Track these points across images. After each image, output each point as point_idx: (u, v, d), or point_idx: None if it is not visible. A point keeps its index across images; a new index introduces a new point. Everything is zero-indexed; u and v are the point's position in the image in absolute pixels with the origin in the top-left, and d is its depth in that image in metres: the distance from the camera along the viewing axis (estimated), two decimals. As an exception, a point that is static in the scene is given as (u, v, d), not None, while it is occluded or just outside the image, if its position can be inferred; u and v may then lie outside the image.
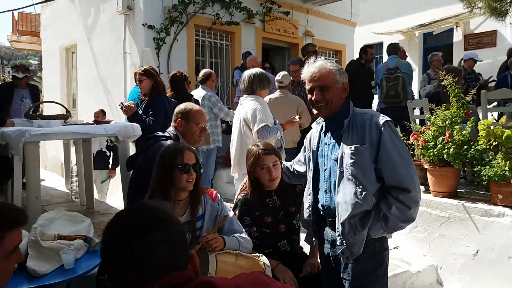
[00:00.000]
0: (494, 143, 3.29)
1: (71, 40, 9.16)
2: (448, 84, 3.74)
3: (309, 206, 2.17)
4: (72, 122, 3.92)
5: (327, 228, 2.10)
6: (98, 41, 8.17)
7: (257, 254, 2.21)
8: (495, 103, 5.21)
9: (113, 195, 6.25)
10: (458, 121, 3.67)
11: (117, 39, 7.42)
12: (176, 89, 4.76)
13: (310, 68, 2.04)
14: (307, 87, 2.05)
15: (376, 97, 6.76)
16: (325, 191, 2.06)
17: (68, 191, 5.29)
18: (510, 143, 3.14)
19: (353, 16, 10.76)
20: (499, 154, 3.21)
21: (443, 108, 3.78)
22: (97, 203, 4.60)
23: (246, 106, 3.63)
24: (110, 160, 6.30)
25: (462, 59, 7.18)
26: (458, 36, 12.88)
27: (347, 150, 1.93)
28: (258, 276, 1.02)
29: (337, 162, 1.97)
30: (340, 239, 1.95)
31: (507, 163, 3.07)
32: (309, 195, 2.18)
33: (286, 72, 5.03)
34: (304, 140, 2.30)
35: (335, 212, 1.98)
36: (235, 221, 2.34)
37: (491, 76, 7.15)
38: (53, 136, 3.28)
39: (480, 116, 4.17)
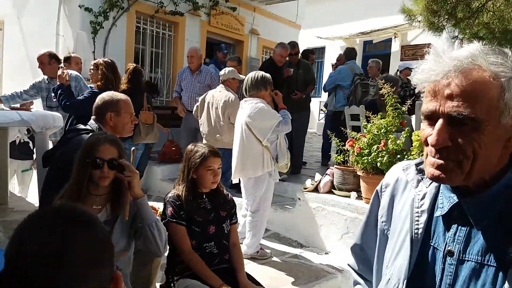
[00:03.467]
0: (425, 155, 3.36)
1: (-2, 16, 8.39)
2: (385, 93, 3.79)
3: None
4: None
5: None
6: (29, 19, 7.54)
7: None
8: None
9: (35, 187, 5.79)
10: (393, 130, 3.74)
11: (50, 20, 6.88)
12: (137, 82, 4.77)
13: (440, 63, 0.88)
14: (425, 106, 0.92)
15: (324, 100, 6.71)
16: None
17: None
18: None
19: (299, 18, 10.86)
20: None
21: (379, 116, 3.84)
22: (13, 199, 4.19)
23: (247, 109, 3.55)
24: (35, 150, 5.81)
25: (398, 69, 7.40)
26: (395, 47, 13.45)
27: None
28: None
29: None
30: None
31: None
32: None
33: (232, 69, 4.87)
34: (380, 209, 1.16)
35: None
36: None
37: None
38: None
39: (414, 126, 4.29)
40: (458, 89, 0.84)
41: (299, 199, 4.24)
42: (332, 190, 4.09)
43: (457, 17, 4.89)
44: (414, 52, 12.94)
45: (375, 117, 3.85)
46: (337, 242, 3.88)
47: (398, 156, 3.57)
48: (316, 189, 4.17)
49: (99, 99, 2.58)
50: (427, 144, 0.91)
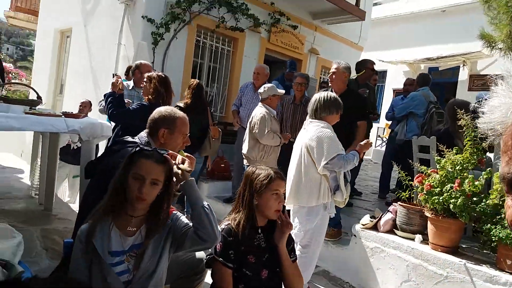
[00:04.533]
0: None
1: (67, 24, 8.72)
2: (464, 124, 3.35)
3: None
4: (39, 110, 3.46)
5: None
6: (95, 28, 7.74)
7: None
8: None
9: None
10: (470, 168, 3.29)
11: (114, 29, 7.00)
12: (200, 98, 4.80)
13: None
14: (504, 168, 0.69)
15: (382, 126, 6.29)
16: None
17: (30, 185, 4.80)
18: (529, 204, 2.74)
19: (361, 40, 10.49)
20: (515, 214, 2.81)
21: (454, 151, 3.39)
22: (58, 205, 4.12)
23: (310, 132, 3.26)
24: (80, 159, 5.84)
25: (476, 101, 6.64)
26: (463, 75, 12.68)
27: None
28: None
29: None
30: None
31: (524, 226, 2.67)
32: None
33: (271, 85, 4.71)
34: None
35: None
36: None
37: None
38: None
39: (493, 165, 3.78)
40: None
41: (355, 235, 3.84)
42: (394, 230, 3.66)
43: (547, 46, 4.35)
44: (483, 82, 12.11)
45: (449, 151, 3.41)
46: (396, 290, 3.43)
47: (475, 198, 3.12)
48: (375, 227, 3.75)
49: (157, 112, 2.42)
50: None
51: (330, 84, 4.31)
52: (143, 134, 2.42)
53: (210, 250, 2.11)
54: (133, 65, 4.81)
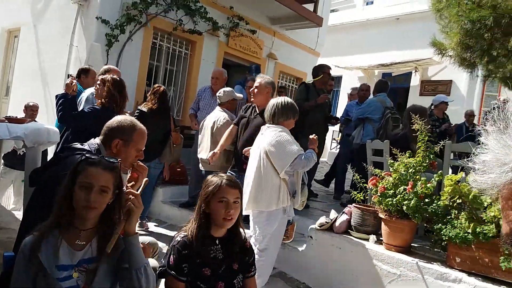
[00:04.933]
0: (458, 201, 3.01)
1: (16, 23, 8.33)
2: (418, 128, 3.45)
3: None
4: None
5: None
6: (45, 28, 7.44)
7: None
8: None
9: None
10: (422, 170, 3.40)
11: (66, 29, 6.75)
12: (165, 104, 4.78)
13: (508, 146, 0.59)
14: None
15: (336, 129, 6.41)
16: None
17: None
18: (476, 204, 2.87)
19: (318, 45, 10.67)
20: (463, 214, 2.94)
21: (407, 154, 3.50)
22: (1, 213, 3.87)
23: (268, 137, 3.25)
24: (25, 167, 5.56)
25: (432, 104, 6.77)
26: (415, 81, 13.18)
27: None
28: None
29: None
30: None
31: (471, 225, 2.79)
32: None
33: (230, 89, 4.66)
34: None
35: None
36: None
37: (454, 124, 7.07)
38: None
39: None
40: None
41: (311, 237, 3.87)
42: (349, 230, 3.72)
43: (491, 55, 4.58)
44: (434, 87, 12.66)
45: (402, 154, 3.51)
46: (351, 290, 3.48)
47: (427, 200, 3.23)
48: (330, 228, 3.80)
49: (115, 120, 2.30)
50: None
51: (252, 99, 4.18)
52: (95, 140, 2.29)
53: (163, 261, 2.05)
54: (101, 70, 4.61)
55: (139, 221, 4.85)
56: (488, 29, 4.32)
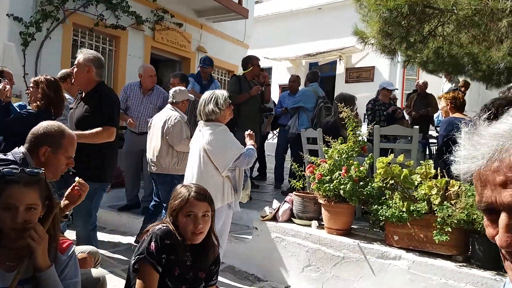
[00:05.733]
0: (390, 182, 3.19)
1: None
2: (345, 116, 3.61)
3: None
4: None
5: None
6: None
7: None
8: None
9: None
10: (354, 155, 3.55)
11: (-27, 28, 6.15)
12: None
13: (480, 146, 0.72)
14: (478, 196, 0.75)
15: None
16: None
17: None
18: (407, 183, 3.06)
19: (246, 37, 10.73)
20: (396, 194, 3.12)
21: (339, 141, 3.64)
22: None
23: (206, 135, 3.15)
24: None
25: (378, 89, 6.93)
26: (340, 69, 13.72)
27: None
28: None
29: None
30: None
31: (405, 204, 2.98)
32: None
33: (183, 88, 4.43)
34: None
35: None
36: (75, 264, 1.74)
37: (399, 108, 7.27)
38: None
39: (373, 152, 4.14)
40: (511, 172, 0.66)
41: (256, 228, 3.91)
42: (292, 218, 3.81)
43: (409, 41, 4.88)
44: (358, 74, 13.27)
45: (334, 141, 3.65)
46: (299, 275, 3.58)
47: (362, 183, 3.38)
48: (274, 218, 3.87)
49: (41, 126, 2.14)
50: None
51: None
52: (19, 149, 2.12)
53: (140, 249, 1.93)
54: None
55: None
56: (405, 17, 4.58)
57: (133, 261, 1.92)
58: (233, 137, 3.25)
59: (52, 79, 3.43)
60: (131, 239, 4.60)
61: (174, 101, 4.15)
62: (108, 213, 5.09)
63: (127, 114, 5.33)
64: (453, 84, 9.55)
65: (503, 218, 0.68)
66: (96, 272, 2.27)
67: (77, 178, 2.14)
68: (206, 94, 3.32)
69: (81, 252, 2.42)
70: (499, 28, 4.04)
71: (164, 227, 1.97)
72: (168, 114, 4.10)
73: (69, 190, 2.13)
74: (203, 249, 2.05)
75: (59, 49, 6.42)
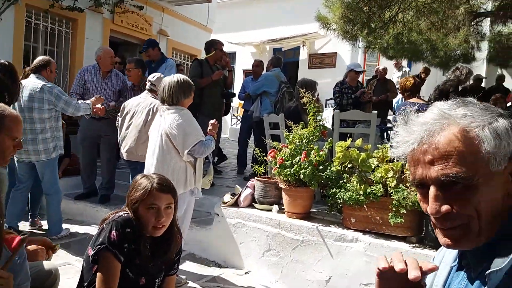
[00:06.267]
0: (349, 166, 3.24)
1: None
2: (306, 101, 3.62)
3: None
4: None
5: None
6: None
7: None
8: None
9: None
10: (315, 140, 3.58)
11: None
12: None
13: (412, 132, 0.85)
14: (411, 174, 0.88)
15: (236, 105, 6.43)
16: None
17: None
18: (365, 167, 3.11)
19: (210, 22, 10.57)
20: (354, 177, 3.17)
21: (300, 126, 3.66)
22: None
23: (169, 119, 3.07)
24: None
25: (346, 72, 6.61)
26: (304, 55, 13.77)
27: None
28: None
29: None
30: None
31: (362, 187, 3.03)
32: None
33: (160, 75, 4.19)
34: None
35: None
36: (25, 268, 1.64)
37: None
38: None
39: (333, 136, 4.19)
40: (437, 153, 0.81)
41: (217, 214, 3.89)
42: (253, 204, 3.81)
43: (370, 27, 4.94)
44: (321, 60, 13.37)
45: (296, 126, 3.66)
46: (258, 260, 3.60)
47: (321, 167, 3.42)
48: (236, 204, 3.86)
49: None
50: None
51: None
52: None
53: (100, 238, 1.86)
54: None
55: (30, 220, 4.43)
56: (366, 3, 4.64)
57: (93, 252, 1.84)
58: (195, 121, 3.20)
59: (6, 63, 3.26)
60: (88, 229, 4.49)
61: (151, 88, 4.01)
62: (64, 202, 4.92)
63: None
64: (401, 72, 9.80)
65: (432, 190, 0.83)
66: (48, 264, 2.19)
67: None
68: (168, 78, 3.25)
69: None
70: (456, 15, 4.15)
71: (125, 215, 1.91)
72: (152, 101, 3.96)
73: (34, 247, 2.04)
74: (164, 241, 1.98)
75: (11, 31, 6.11)
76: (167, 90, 3.17)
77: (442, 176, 0.80)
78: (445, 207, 0.81)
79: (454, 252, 0.98)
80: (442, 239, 0.87)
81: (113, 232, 1.83)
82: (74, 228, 4.51)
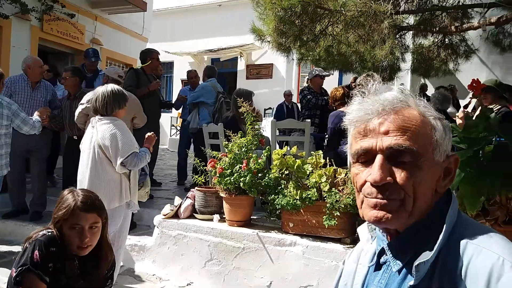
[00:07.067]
0: (286, 172, 3.36)
1: None
2: (244, 111, 3.71)
3: None
4: None
5: None
6: None
7: None
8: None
9: None
10: (253, 148, 3.67)
11: None
12: None
13: (370, 104, 0.90)
14: (358, 145, 0.89)
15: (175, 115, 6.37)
16: None
17: None
18: (300, 173, 3.24)
19: (145, 31, 10.44)
20: (291, 183, 3.29)
21: (239, 135, 3.73)
22: None
23: (101, 130, 2.97)
24: None
25: (307, 78, 6.42)
26: (241, 65, 13.98)
27: None
28: None
29: None
30: None
31: (298, 192, 3.15)
32: None
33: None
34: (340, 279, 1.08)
35: None
36: None
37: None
38: None
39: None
40: (394, 125, 0.86)
41: (157, 227, 3.84)
42: (194, 214, 3.82)
43: (302, 39, 5.14)
44: (258, 71, 13.64)
45: (235, 135, 3.73)
46: (201, 271, 3.60)
47: (260, 175, 3.51)
48: (176, 215, 3.84)
49: None
50: (361, 189, 0.89)
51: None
52: None
53: (23, 259, 1.76)
54: None
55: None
56: (298, 16, 4.82)
57: (14, 274, 1.76)
58: (129, 132, 3.15)
59: None
60: (18, 249, 4.23)
61: None
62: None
63: None
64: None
65: (378, 158, 0.85)
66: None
67: None
68: (102, 88, 3.18)
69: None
70: (382, 29, 4.45)
71: (49, 233, 1.83)
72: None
73: None
74: (93, 259, 1.91)
75: None
76: (100, 100, 3.08)
77: (396, 145, 0.83)
78: (389, 177, 0.83)
79: (370, 252, 0.99)
80: (371, 212, 0.86)
81: (36, 252, 1.75)
82: (2, 248, 4.24)
